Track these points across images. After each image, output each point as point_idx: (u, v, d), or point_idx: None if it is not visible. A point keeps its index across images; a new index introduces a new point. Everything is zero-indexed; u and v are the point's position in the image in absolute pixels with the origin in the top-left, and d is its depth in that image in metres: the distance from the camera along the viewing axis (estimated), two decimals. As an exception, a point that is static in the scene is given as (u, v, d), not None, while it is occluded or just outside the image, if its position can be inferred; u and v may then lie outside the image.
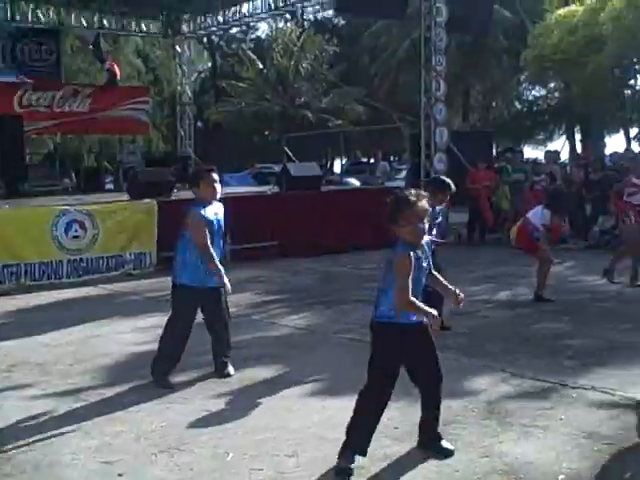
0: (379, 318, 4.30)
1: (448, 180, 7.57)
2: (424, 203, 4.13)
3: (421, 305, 4.18)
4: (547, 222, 9.07)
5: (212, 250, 5.93)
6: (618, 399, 5.31)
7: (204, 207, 5.97)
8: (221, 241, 6.25)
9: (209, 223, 5.95)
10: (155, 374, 6.05)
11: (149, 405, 5.53)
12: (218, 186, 6.07)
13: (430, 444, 4.48)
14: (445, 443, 4.50)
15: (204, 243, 5.89)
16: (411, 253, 4.14)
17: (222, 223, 6.17)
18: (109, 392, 5.87)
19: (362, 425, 4.30)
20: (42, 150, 31.24)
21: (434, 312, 4.20)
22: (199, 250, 5.92)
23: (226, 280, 6.00)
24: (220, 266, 5.97)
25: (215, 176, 6.06)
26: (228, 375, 6.18)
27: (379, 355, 4.33)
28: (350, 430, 4.30)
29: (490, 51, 33.05)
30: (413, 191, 4.20)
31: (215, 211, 6.08)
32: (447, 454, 4.41)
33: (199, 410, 5.38)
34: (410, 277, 4.11)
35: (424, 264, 4.27)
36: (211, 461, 4.45)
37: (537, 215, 9.12)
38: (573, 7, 22.07)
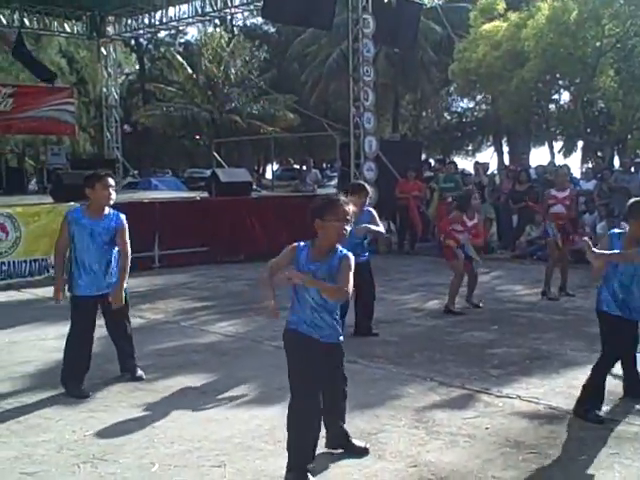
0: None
1: (364, 183, 7.99)
2: (351, 207, 4.21)
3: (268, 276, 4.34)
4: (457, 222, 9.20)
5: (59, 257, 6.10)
6: (543, 408, 5.41)
7: (83, 211, 6.01)
8: (106, 248, 6.01)
9: (81, 227, 5.92)
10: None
11: (72, 414, 5.39)
12: (113, 191, 6.00)
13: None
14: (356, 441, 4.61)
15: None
16: (302, 250, 4.23)
17: (109, 231, 5.99)
18: (30, 400, 5.70)
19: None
20: (-39, 149, 30.24)
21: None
22: None
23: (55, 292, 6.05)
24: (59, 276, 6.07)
25: (111, 181, 6.01)
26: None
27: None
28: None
29: (419, 63, 33.56)
30: (342, 196, 4.34)
31: (101, 218, 5.98)
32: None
33: (124, 419, 5.26)
34: (281, 261, 4.30)
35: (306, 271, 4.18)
36: (136, 472, 4.36)
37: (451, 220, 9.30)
38: (497, 23, 22.54)
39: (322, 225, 4.15)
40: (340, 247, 4.20)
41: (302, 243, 4.27)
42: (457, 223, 9.20)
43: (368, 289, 7.78)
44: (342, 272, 4.11)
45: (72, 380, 5.90)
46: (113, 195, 5.99)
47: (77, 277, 5.94)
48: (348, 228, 4.17)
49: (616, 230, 5.45)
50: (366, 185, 7.86)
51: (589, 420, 5.05)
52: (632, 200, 5.35)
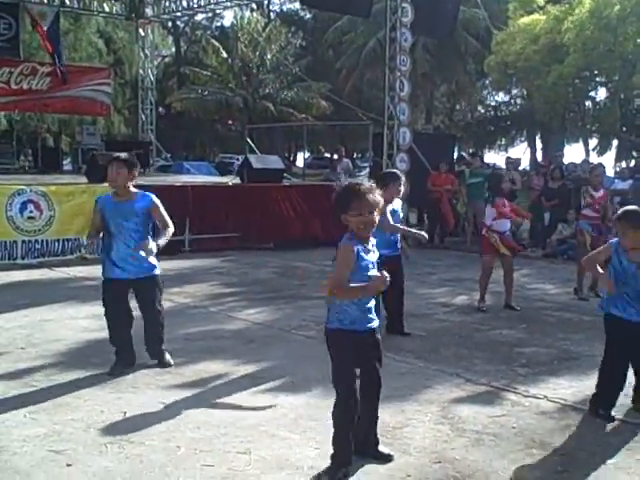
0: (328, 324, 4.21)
1: (398, 172, 7.69)
2: (376, 195, 4.01)
3: (355, 286, 4.00)
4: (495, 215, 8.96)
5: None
6: (570, 410, 5.37)
7: (112, 196, 6.09)
8: (138, 230, 6.00)
9: (110, 212, 5.99)
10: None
11: (101, 394, 5.45)
12: (119, 175, 6.02)
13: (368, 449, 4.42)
14: (382, 448, 4.47)
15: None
16: (356, 247, 4.01)
17: (137, 213, 6.00)
18: (60, 378, 5.77)
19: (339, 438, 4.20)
20: (-2, 128, 30.65)
21: (375, 278, 4.01)
22: None
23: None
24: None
25: (118, 165, 6.04)
26: None
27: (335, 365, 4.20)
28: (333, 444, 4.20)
29: (456, 54, 33.31)
30: (366, 183, 4.05)
31: (126, 200, 6.04)
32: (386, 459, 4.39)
33: (151, 401, 5.31)
34: (348, 270, 3.98)
35: (368, 264, 4.07)
36: (162, 454, 4.40)
37: (488, 215, 9.09)
38: (536, 16, 22.28)
39: (350, 220, 4.03)
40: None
41: (350, 240, 4.05)
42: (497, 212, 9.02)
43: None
44: None
45: (115, 358, 6.05)
46: (119, 179, 6.01)
47: (108, 261, 5.99)
48: (377, 219, 4.04)
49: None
50: (399, 173, 7.56)
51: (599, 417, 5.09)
52: (630, 209, 5.27)
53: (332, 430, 4.18)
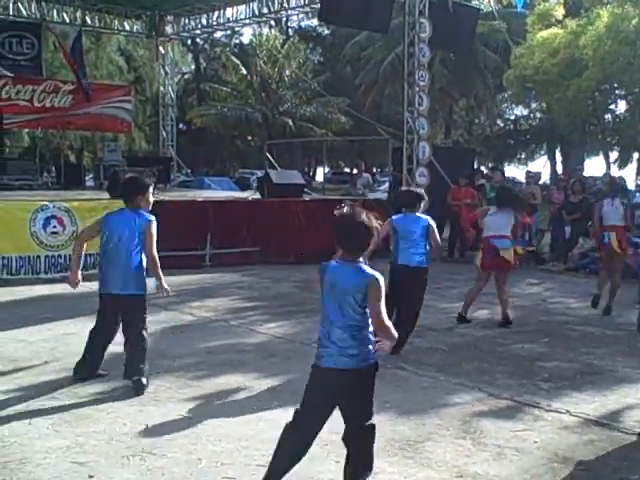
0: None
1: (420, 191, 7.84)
2: (373, 222, 3.90)
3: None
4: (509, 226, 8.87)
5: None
6: (593, 425, 5.33)
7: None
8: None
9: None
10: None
11: (122, 406, 5.48)
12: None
13: None
14: None
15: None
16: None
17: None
18: (83, 391, 5.81)
19: None
20: (21, 144, 30.99)
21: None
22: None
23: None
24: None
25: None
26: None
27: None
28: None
29: (475, 68, 33.33)
30: (364, 214, 3.90)
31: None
32: None
33: (173, 414, 5.34)
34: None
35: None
36: (183, 467, 4.42)
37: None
38: (555, 30, 22.27)
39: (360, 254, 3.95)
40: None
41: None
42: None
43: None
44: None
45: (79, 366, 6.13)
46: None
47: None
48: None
49: None
50: (422, 192, 7.73)
51: None
52: None
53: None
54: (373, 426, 4.02)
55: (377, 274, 3.85)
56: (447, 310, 9.83)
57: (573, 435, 5.10)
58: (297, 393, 5.89)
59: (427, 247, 7.54)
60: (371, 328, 3.86)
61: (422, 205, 7.60)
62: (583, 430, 5.21)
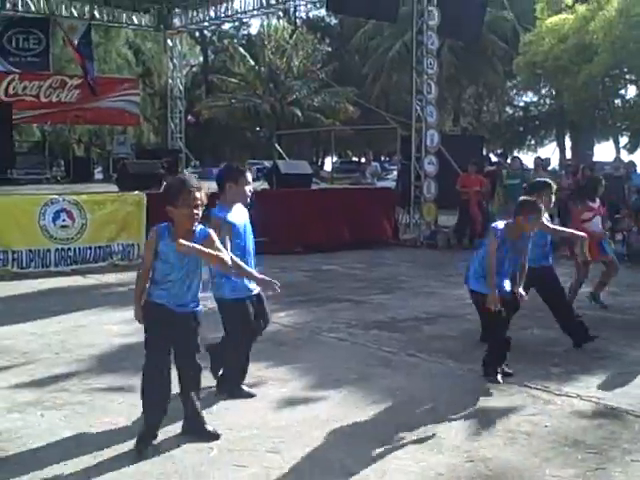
0: None
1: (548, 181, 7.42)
2: (202, 194, 4.41)
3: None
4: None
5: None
6: (603, 408, 5.32)
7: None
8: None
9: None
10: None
11: (133, 397, 5.47)
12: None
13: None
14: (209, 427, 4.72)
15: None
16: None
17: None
18: (94, 383, 5.83)
19: None
20: (31, 138, 31.10)
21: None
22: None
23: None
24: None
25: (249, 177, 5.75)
26: None
27: None
28: None
29: (483, 55, 33.18)
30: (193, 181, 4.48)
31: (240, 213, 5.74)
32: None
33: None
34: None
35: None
36: (195, 455, 4.44)
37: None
38: (564, 15, 22.13)
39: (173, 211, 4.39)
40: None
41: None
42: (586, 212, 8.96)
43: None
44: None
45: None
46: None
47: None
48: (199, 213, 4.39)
49: None
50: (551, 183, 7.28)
51: None
52: None
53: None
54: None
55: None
56: (457, 297, 9.79)
57: (583, 419, 5.10)
58: (306, 381, 5.94)
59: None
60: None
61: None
62: (593, 414, 5.20)
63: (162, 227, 4.49)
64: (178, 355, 4.61)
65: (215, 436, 4.67)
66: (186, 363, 4.65)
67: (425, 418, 5.07)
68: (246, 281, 5.50)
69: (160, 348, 4.52)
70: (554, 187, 7.21)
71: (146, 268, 4.55)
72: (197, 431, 4.70)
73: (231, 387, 5.63)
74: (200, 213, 4.40)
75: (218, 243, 4.57)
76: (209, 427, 4.73)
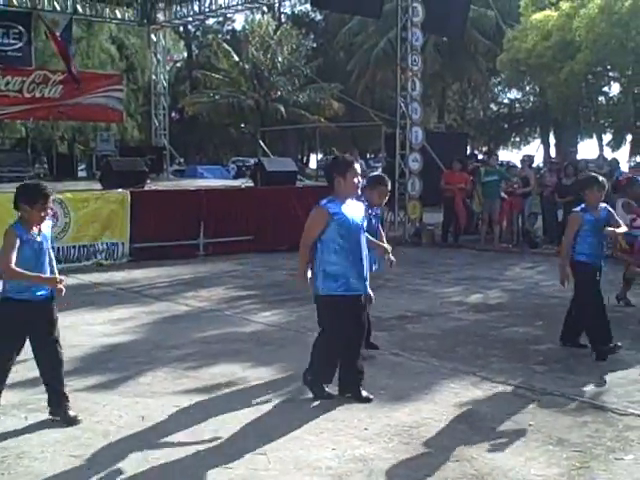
0: None
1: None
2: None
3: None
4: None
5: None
6: (587, 406, 5.36)
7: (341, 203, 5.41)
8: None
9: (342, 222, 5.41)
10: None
11: (118, 399, 5.49)
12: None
13: None
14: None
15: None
16: None
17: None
18: (78, 384, 5.81)
19: None
20: (15, 135, 30.85)
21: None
22: None
23: None
24: None
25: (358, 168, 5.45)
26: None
27: None
28: None
29: (467, 52, 33.25)
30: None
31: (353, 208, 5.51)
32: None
33: (169, 405, 5.34)
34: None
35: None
36: (184, 457, 4.43)
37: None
38: (548, 12, 22.21)
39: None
40: None
41: None
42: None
43: None
44: None
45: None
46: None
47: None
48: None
49: None
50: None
51: None
52: None
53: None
54: None
55: None
56: (441, 295, 9.85)
57: (568, 417, 5.13)
58: (293, 382, 5.94)
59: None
60: None
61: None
62: (578, 412, 5.23)
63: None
64: None
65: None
66: None
67: (410, 418, 5.09)
68: None
69: None
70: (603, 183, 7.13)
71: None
72: None
73: (319, 387, 5.49)
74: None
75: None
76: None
